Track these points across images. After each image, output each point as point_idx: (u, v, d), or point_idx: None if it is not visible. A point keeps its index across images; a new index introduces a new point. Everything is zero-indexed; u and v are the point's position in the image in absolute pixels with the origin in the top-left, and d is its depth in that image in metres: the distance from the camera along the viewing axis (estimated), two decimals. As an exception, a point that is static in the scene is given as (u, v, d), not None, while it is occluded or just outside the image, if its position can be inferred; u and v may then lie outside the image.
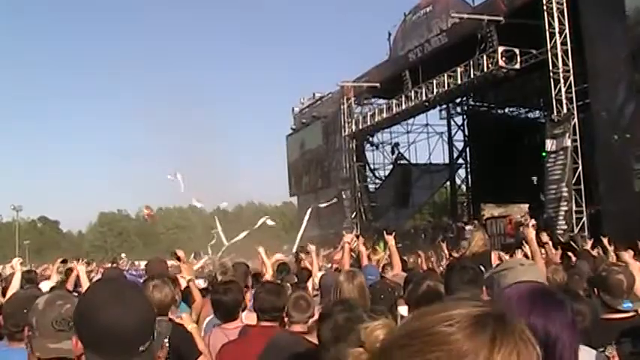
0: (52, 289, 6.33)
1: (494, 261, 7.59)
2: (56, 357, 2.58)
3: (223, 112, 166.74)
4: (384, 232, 8.40)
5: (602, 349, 3.45)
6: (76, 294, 5.87)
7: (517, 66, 25.91)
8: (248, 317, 5.25)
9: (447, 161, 42.03)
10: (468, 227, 33.01)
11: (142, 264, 23.28)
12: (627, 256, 6.31)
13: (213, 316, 5.65)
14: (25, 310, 3.50)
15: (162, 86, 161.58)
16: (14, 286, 6.09)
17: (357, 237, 10.80)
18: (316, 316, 4.51)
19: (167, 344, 4.41)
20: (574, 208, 22.97)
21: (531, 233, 5.79)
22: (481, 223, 27.89)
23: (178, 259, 7.30)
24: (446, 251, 11.45)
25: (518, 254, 7.77)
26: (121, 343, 1.84)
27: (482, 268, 5.36)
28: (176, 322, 4.85)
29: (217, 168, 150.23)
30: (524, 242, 7.68)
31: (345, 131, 39.13)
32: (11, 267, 6.93)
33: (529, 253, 6.76)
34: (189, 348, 4.59)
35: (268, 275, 7.61)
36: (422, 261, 11.16)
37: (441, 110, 40.00)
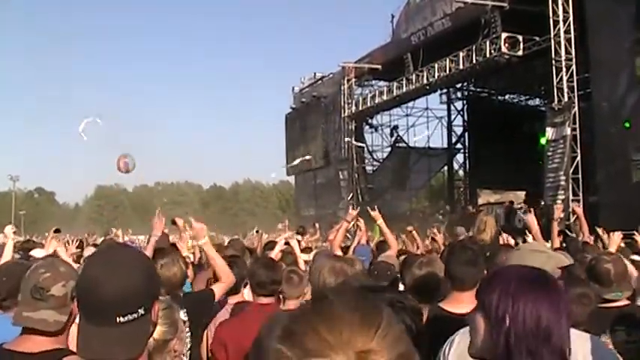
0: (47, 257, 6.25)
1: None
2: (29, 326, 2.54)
3: (223, 88, 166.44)
4: (368, 209, 7.90)
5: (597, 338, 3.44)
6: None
7: (520, 53, 25.85)
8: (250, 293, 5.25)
9: (445, 146, 41.97)
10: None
11: (136, 237, 23.33)
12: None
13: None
14: (4, 279, 3.50)
15: (159, 60, 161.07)
16: (6, 254, 5.98)
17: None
18: (308, 295, 4.52)
19: (185, 316, 4.43)
20: (571, 197, 22.98)
21: (534, 220, 5.70)
22: (478, 209, 27.94)
23: (173, 222, 7.39)
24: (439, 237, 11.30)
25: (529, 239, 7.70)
26: (97, 309, 1.77)
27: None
28: (187, 294, 4.90)
29: (215, 145, 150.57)
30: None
31: (344, 112, 39.02)
32: (4, 235, 6.82)
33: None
34: (205, 306, 4.64)
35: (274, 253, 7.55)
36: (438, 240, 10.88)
37: (441, 95, 39.88)
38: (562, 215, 21.91)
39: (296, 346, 1.06)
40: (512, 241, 7.94)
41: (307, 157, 38.84)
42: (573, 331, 2.52)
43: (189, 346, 4.46)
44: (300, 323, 1.09)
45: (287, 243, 7.63)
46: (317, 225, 14.52)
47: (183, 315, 4.48)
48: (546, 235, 7.16)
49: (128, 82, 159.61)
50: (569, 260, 2.75)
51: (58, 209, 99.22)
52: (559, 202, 22.19)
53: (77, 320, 3.02)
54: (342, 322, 1.07)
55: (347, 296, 1.14)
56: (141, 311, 1.80)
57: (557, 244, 4.93)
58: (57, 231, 7.03)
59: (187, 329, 4.48)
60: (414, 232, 10.37)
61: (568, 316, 2.02)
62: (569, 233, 11.55)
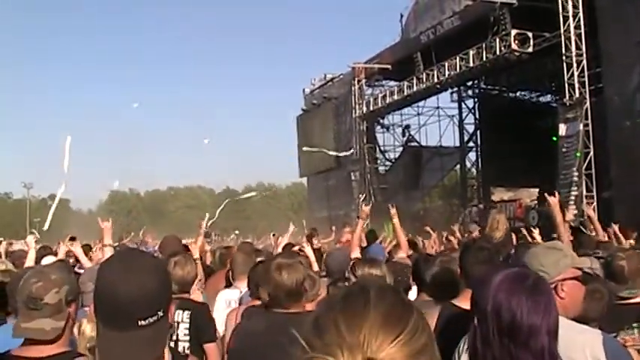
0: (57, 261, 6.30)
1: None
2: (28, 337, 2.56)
3: (234, 91, 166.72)
4: (389, 207, 8.00)
5: (614, 335, 3.43)
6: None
7: (530, 49, 25.80)
8: None
9: (457, 144, 41.92)
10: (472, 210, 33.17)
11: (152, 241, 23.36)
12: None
13: (227, 290, 5.74)
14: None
15: (171, 61, 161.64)
16: (28, 263, 6.08)
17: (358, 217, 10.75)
18: (323, 294, 4.53)
19: (188, 319, 4.55)
20: (584, 192, 22.89)
21: (557, 206, 5.64)
22: (490, 207, 27.88)
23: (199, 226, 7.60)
24: (458, 234, 11.36)
25: (536, 234, 7.66)
26: (117, 312, 1.78)
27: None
28: (196, 301, 4.93)
29: (227, 148, 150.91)
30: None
31: (355, 112, 39.08)
32: (24, 243, 6.91)
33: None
34: (208, 329, 4.67)
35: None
36: (432, 241, 11.04)
37: (452, 93, 39.82)
38: (576, 212, 21.99)
39: (318, 337, 1.03)
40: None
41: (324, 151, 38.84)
42: (583, 327, 2.53)
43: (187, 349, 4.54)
44: (327, 314, 1.06)
45: (301, 249, 7.64)
46: (333, 228, 14.52)
47: (186, 316, 4.55)
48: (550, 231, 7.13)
49: (141, 85, 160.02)
50: (592, 264, 2.72)
51: (72, 215, 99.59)
52: (571, 201, 22.13)
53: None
54: (363, 320, 1.02)
55: (379, 294, 1.08)
56: (160, 313, 1.82)
57: (566, 241, 4.91)
58: (72, 239, 7.08)
59: (186, 330, 4.55)
60: (430, 231, 10.49)
61: (550, 318, 2.07)
62: (583, 230, 11.49)
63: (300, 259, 4.11)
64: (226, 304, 5.55)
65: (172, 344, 4.55)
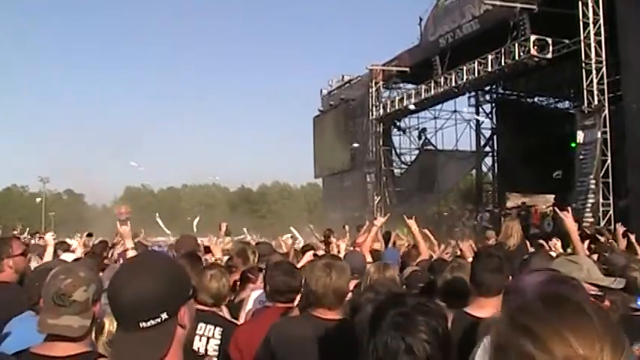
0: (75, 260, 6.33)
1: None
2: (55, 333, 2.56)
3: (252, 91, 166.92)
4: (405, 217, 7.94)
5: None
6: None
7: (549, 55, 25.71)
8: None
9: (473, 149, 41.67)
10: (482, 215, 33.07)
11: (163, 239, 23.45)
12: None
13: (260, 291, 5.77)
14: (37, 284, 3.56)
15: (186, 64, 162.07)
16: (47, 259, 6.16)
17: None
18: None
19: (220, 336, 4.58)
20: (601, 200, 22.77)
21: (570, 220, 5.54)
22: (506, 213, 27.79)
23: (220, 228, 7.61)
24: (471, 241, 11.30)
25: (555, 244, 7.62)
26: (120, 314, 1.84)
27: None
28: (227, 318, 4.93)
29: (243, 147, 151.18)
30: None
31: (372, 115, 39.08)
32: (43, 239, 6.97)
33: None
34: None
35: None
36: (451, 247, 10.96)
37: (469, 97, 39.56)
38: (592, 220, 21.88)
39: (536, 347, 1.06)
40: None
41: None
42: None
43: None
44: (542, 324, 1.08)
45: (316, 254, 7.67)
46: (346, 227, 14.39)
47: (217, 333, 4.55)
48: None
49: (161, 85, 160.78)
50: (605, 282, 2.70)
51: (87, 211, 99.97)
52: (588, 209, 21.96)
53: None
54: (595, 335, 1.05)
55: (595, 309, 1.12)
56: (164, 316, 1.83)
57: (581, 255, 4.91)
58: (89, 235, 7.17)
59: (217, 347, 4.57)
60: (428, 233, 10.52)
61: None
62: (599, 237, 11.42)
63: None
64: (259, 305, 5.57)
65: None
